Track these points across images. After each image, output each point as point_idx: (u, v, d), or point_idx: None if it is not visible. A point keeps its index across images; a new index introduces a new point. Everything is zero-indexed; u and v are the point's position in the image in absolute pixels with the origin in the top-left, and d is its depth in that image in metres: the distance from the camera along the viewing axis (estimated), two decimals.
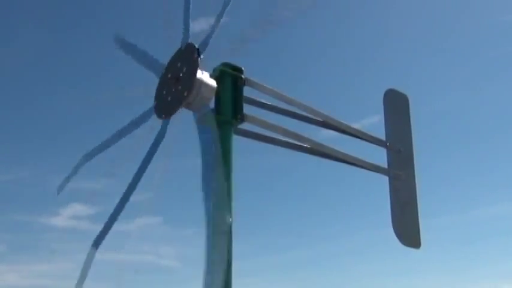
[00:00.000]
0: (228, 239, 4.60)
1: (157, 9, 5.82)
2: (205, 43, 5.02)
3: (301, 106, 5.51)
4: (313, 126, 5.73)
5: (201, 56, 4.95)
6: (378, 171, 5.95)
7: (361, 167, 5.81)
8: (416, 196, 5.95)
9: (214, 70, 5.06)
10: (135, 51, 5.87)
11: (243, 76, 5.05)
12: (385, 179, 6.00)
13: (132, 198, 5.26)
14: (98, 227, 5.24)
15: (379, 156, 6.06)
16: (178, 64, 5.15)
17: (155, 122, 5.19)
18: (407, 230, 5.87)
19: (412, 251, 5.84)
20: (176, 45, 5.28)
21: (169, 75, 5.22)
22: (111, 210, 5.19)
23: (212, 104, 5.01)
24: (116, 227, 5.11)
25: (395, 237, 5.89)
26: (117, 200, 5.26)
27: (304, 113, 5.61)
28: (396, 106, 6.32)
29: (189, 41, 5.19)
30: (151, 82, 5.43)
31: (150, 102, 5.35)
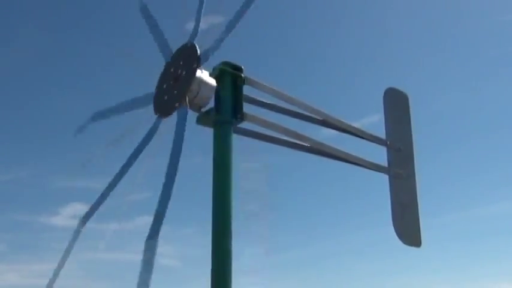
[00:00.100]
0: (227, 239, 4.60)
1: (157, 9, 5.83)
2: (207, 55, 5.04)
3: (301, 105, 5.50)
4: (313, 125, 5.72)
5: (201, 68, 4.98)
6: (378, 170, 5.94)
7: (362, 165, 5.80)
8: (416, 195, 5.94)
9: (214, 69, 5.06)
10: (154, 25, 5.86)
11: (242, 75, 5.04)
12: (386, 177, 5.99)
13: (132, 198, 5.25)
14: (98, 227, 5.24)
15: (380, 155, 6.06)
16: (181, 62, 5.17)
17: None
18: (408, 229, 5.86)
19: (412, 249, 5.84)
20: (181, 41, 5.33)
21: (172, 69, 5.23)
22: (112, 210, 5.20)
23: (212, 103, 5.01)
24: (116, 226, 5.09)
25: (396, 236, 5.88)
26: (117, 199, 5.26)
27: (304, 112, 5.60)
28: (396, 105, 6.32)
29: (196, 39, 5.22)
30: (150, 82, 5.48)
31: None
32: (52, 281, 5.18)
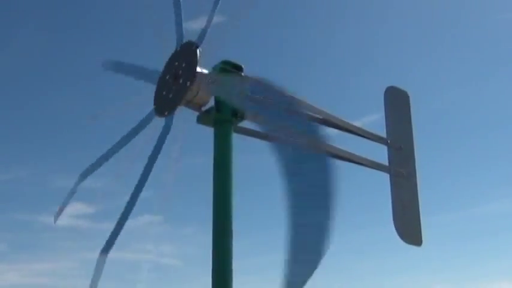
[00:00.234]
0: (228, 238, 4.60)
1: (157, 8, 5.82)
2: (201, 38, 5.03)
3: (301, 104, 5.48)
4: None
5: (199, 48, 4.96)
6: (378, 169, 5.93)
7: (362, 164, 5.79)
8: (417, 193, 5.93)
9: (214, 68, 5.04)
10: (127, 69, 5.96)
11: (242, 74, 5.03)
12: (386, 176, 5.98)
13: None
14: (98, 226, 5.23)
15: (380, 153, 6.04)
16: (176, 63, 5.15)
17: (156, 125, 5.20)
18: (409, 228, 5.85)
19: (413, 248, 5.83)
20: (171, 46, 5.31)
21: (167, 77, 5.23)
22: (111, 210, 5.18)
23: (212, 102, 5.00)
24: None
25: (397, 235, 5.87)
26: (117, 199, 5.25)
27: (305, 111, 5.58)
28: (397, 103, 6.31)
29: (184, 41, 5.22)
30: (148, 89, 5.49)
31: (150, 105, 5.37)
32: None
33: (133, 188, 5.03)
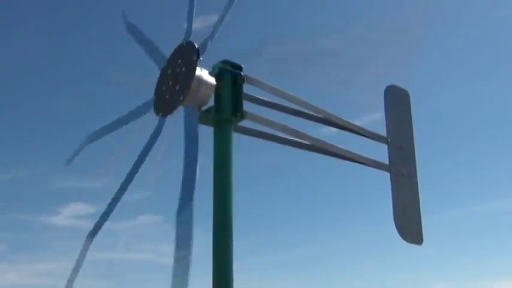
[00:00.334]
0: (229, 237, 4.60)
1: (157, 8, 5.82)
2: (205, 45, 5.05)
3: (301, 103, 5.49)
4: (313, 123, 5.70)
5: (201, 58, 4.96)
6: (379, 168, 5.93)
7: (363, 163, 5.79)
8: (418, 192, 5.93)
9: (213, 67, 5.04)
10: (141, 37, 5.90)
11: (242, 73, 5.03)
12: (387, 175, 5.98)
13: (133, 197, 5.25)
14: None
15: (381, 152, 6.04)
16: (179, 61, 5.15)
17: (153, 118, 5.21)
18: (409, 227, 5.86)
19: (412, 247, 5.83)
20: (177, 39, 5.31)
21: (169, 71, 5.22)
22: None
23: (212, 102, 5.00)
24: (117, 225, 5.10)
25: (397, 234, 5.87)
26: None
27: (305, 110, 5.59)
28: (397, 102, 6.30)
29: (191, 38, 5.21)
30: (149, 80, 5.47)
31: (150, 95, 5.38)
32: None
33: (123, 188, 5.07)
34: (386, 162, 6.03)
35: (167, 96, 5.11)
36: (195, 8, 5.40)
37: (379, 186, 6.51)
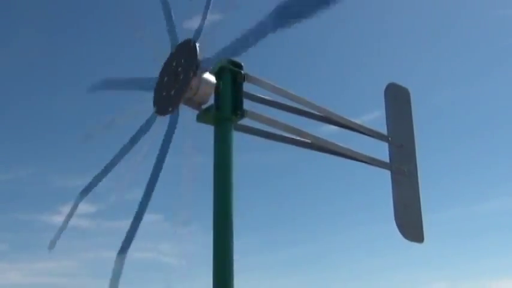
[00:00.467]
0: (229, 236, 4.58)
1: (156, 9, 5.81)
2: (197, 34, 5.03)
3: (302, 101, 5.47)
4: (314, 122, 5.69)
5: (197, 44, 4.95)
6: (379, 166, 5.92)
7: (363, 161, 5.78)
8: (419, 190, 5.92)
9: (213, 66, 5.02)
10: (119, 84, 5.96)
11: (242, 71, 5.01)
12: (388, 173, 5.97)
13: (133, 196, 5.24)
14: (99, 225, 5.22)
15: (381, 151, 6.03)
16: (174, 64, 5.15)
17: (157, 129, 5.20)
18: (410, 225, 5.85)
19: (412, 245, 5.82)
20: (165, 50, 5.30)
21: (165, 79, 5.22)
22: (112, 209, 5.18)
23: (212, 100, 4.98)
24: (117, 224, 5.08)
25: (398, 232, 5.86)
26: (118, 198, 5.24)
27: (305, 108, 5.57)
28: (397, 100, 6.29)
29: (179, 41, 5.21)
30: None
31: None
32: None
33: (144, 188, 5.05)
34: (387, 160, 6.02)
35: (172, 93, 5.09)
36: (172, 14, 5.41)
37: (380, 184, 6.50)
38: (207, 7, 5.14)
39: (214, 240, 4.60)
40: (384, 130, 6.11)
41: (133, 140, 5.43)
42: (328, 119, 5.73)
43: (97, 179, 5.72)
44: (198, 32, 5.14)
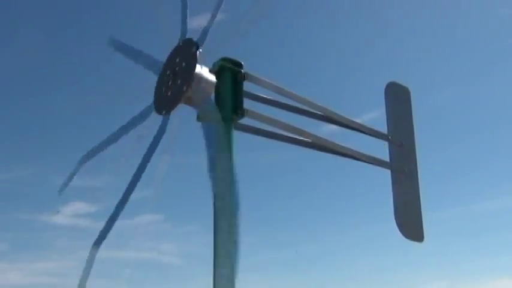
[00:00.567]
0: (230, 235, 4.58)
1: (154, 8, 5.80)
2: (203, 36, 5.00)
3: (302, 100, 5.47)
4: (314, 121, 5.69)
5: (200, 50, 4.93)
6: (380, 165, 5.92)
7: (363, 161, 5.77)
8: (418, 189, 5.92)
9: (213, 65, 5.02)
10: (131, 52, 5.89)
11: (242, 71, 5.00)
12: (388, 172, 5.97)
13: (133, 196, 5.23)
14: (100, 225, 5.21)
15: (381, 150, 6.03)
16: (177, 60, 5.12)
17: (155, 119, 5.17)
18: (411, 224, 5.85)
19: (412, 244, 5.82)
20: (173, 43, 5.27)
21: (168, 72, 5.19)
22: (112, 209, 5.17)
23: (212, 99, 4.97)
24: (117, 224, 5.08)
25: (398, 231, 5.86)
26: (118, 197, 5.23)
27: (306, 108, 5.57)
28: (398, 99, 6.29)
29: (187, 36, 5.18)
30: (149, 81, 5.43)
31: (150, 99, 5.34)
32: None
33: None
34: (387, 159, 6.01)
35: (169, 94, 5.08)
36: (188, 8, 5.37)
37: (380, 183, 6.49)
38: (217, 7, 5.08)
39: (215, 240, 4.59)
40: (384, 129, 6.11)
41: (125, 129, 5.42)
42: (328, 118, 5.73)
43: (99, 149, 5.77)
44: (205, 32, 5.08)
